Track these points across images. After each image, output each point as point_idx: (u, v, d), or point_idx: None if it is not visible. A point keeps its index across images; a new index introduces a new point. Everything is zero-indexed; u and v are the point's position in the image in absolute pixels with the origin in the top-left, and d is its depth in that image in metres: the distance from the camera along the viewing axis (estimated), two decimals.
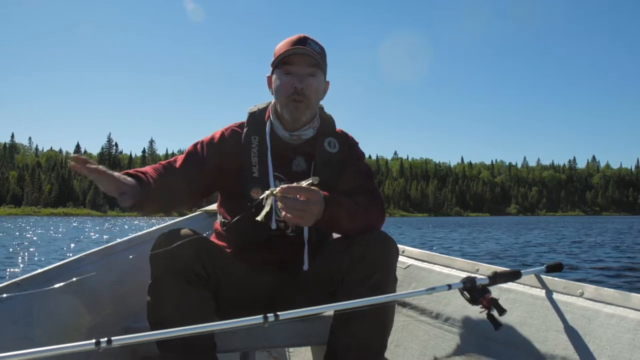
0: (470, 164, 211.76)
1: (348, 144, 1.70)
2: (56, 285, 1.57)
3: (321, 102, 1.70)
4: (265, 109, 1.68)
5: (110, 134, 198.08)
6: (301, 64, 1.54)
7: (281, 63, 1.56)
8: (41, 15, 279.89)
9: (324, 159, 1.62)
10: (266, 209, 1.32)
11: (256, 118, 1.66)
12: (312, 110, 1.60)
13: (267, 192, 1.32)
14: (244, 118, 1.69)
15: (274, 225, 1.54)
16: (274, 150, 1.60)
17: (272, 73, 1.60)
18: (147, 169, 1.52)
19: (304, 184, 1.33)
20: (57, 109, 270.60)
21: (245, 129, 1.64)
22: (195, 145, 1.66)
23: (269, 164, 1.58)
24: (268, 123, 1.64)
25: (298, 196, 1.34)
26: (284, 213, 1.34)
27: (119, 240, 2.10)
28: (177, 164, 1.60)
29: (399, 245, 1.73)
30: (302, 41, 1.56)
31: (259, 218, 1.31)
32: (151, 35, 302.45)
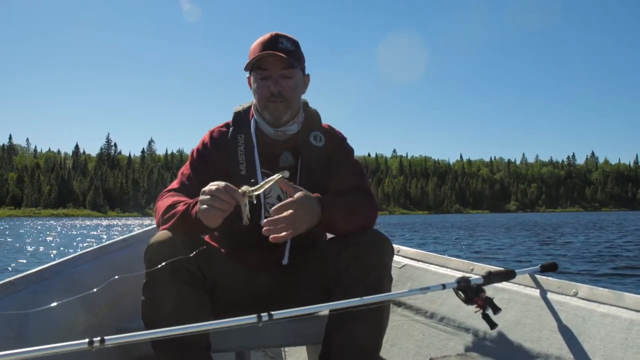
0: (469, 161, 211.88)
1: (335, 138, 1.69)
2: (51, 285, 1.56)
3: (310, 98, 1.71)
4: (249, 108, 1.68)
5: (109, 134, 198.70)
6: (274, 67, 1.54)
7: (255, 67, 1.56)
8: (38, 16, 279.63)
9: (310, 153, 1.61)
10: (243, 211, 1.31)
11: (241, 117, 1.67)
12: (293, 108, 1.60)
13: (239, 191, 1.31)
14: (231, 117, 1.69)
15: (263, 222, 1.54)
16: (260, 147, 1.60)
17: (250, 74, 1.61)
18: (182, 198, 1.51)
19: (276, 177, 1.32)
20: (55, 109, 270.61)
21: (231, 128, 1.65)
22: (192, 155, 1.67)
23: (256, 161, 1.59)
24: (253, 121, 1.64)
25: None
26: (272, 237, 1.34)
27: (114, 239, 2.08)
28: (192, 181, 1.59)
29: (394, 245, 1.73)
30: (273, 41, 1.55)
31: (245, 223, 1.31)
32: (148, 36, 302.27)
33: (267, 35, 1.57)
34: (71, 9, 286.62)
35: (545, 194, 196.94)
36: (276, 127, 1.60)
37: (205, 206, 1.32)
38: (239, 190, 1.31)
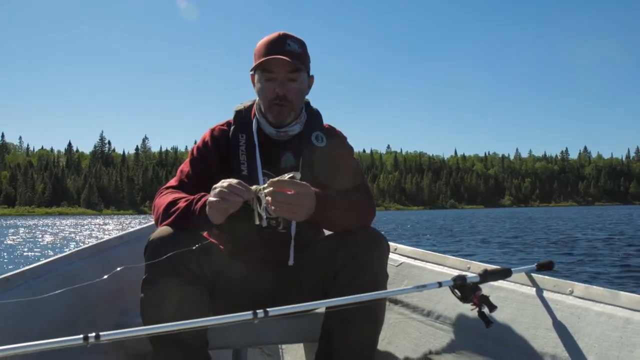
0: (463, 156, 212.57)
1: (336, 138, 1.69)
2: (47, 282, 1.55)
3: (310, 97, 1.69)
4: (251, 106, 1.67)
5: (102, 132, 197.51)
6: (280, 69, 1.52)
7: (260, 68, 1.55)
8: (32, 14, 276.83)
9: (312, 153, 1.61)
10: (256, 209, 1.31)
11: (242, 116, 1.65)
12: (297, 110, 1.60)
13: (253, 188, 1.32)
14: (232, 115, 1.68)
15: (264, 223, 1.54)
16: (261, 148, 1.59)
17: (254, 73, 1.60)
18: (183, 194, 1.51)
19: (287, 177, 1.32)
20: (48, 107, 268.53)
21: (232, 128, 1.64)
22: (192, 153, 1.66)
23: (257, 162, 1.57)
24: (254, 121, 1.63)
25: (288, 191, 1.34)
26: (273, 208, 1.33)
27: (111, 236, 2.08)
28: (192, 179, 1.59)
29: (391, 243, 1.76)
30: (281, 42, 1.53)
31: (257, 222, 1.32)
32: (144, 34, 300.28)
33: (274, 35, 1.55)
34: (65, 8, 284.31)
35: (539, 188, 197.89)
36: (279, 126, 1.59)
37: (217, 200, 1.32)
38: (251, 188, 1.31)
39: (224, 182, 1.33)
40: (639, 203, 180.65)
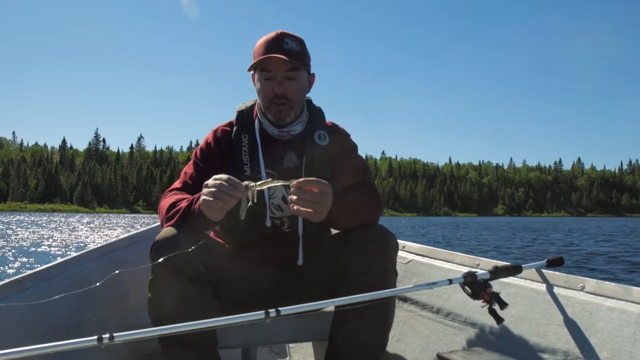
0: (458, 164, 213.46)
1: (339, 136, 1.68)
2: (58, 283, 1.57)
3: (311, 96, 1.69)
4: (253, 106, 1.67)
5: (97, 129, 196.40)
6: (278, 68, 1.52)
7: (259, 67, 1.55)
8: (28, 11, 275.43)
9: (315, 152, 1.60)
10: (243, 204, 1.30)
11: (245, 116, 1.65)
12: (297, 109, 1.59)
13: (244, 184, 1.31)
14: (234, 115, 1.68)
15: (268, 222, 1.53)
16: (264, 148, 1.59)
17: (254, 72, 1.59)
18: (185, 195, 1.51)
19: (281, 183, 1.31)
20: (43, 103, 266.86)
21: (234, 128, 1.63)
22: (196, 155, 1.66)
23: (260, 162, 1.57)
24: (256, 121, 1.63)
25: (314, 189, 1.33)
26: (296, 207, 1.31)
27: (120, 237, 2.10)
28: (195, 180, 1.58)
29: (400, 241, 1.74)
30: (278, 41, 1.52)
31: (241, 217, 1.31)
32: (143, 31, 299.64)
33: (272, 34, 1.54)
34: (62, 4, 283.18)
35: (532, 198, 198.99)
36: (281, 126, 1.59)
37: (209, 199, 1.31)
38: (242, 184, 1.31)
39: (215, 180, 1.32)
40: (631, 215, 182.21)
